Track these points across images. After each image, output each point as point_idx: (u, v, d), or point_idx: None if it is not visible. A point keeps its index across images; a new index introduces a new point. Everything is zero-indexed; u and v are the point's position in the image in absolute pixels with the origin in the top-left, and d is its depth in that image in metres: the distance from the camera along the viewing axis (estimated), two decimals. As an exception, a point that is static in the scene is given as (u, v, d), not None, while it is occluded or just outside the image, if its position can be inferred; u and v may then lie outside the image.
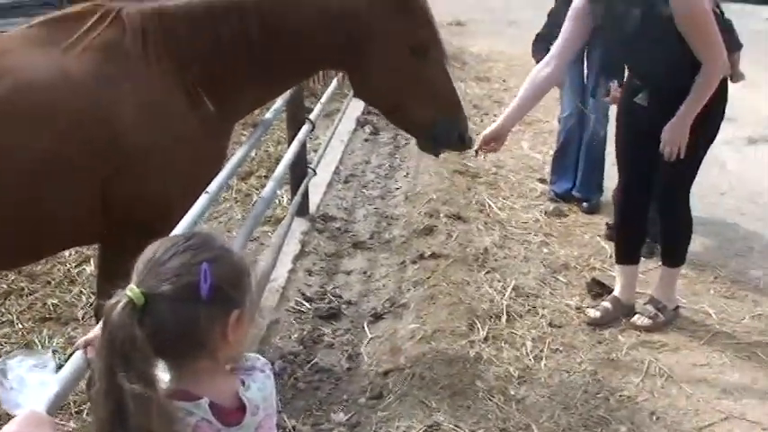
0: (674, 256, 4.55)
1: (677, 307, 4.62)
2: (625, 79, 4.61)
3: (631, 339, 4.39)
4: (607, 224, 5.62)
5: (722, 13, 4.43)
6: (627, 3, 3.94)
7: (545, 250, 5.44)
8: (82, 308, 4.62)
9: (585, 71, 6.08)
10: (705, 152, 4.31)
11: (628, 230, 4.62)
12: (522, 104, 4.29)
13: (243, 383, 1.69)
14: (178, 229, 2.61)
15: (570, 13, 4.20)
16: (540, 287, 4.91)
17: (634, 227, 4.60)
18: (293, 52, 3.23)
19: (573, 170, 6.30)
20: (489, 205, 6.14)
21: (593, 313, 4.57)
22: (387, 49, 3.32)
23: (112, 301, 1.55)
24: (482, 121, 8.61)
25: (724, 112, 4.27)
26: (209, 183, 2.99)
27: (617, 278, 4.71)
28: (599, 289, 4.84)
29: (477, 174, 6.83)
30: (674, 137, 4.03)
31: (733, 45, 4.42)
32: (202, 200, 2.86)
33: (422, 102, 3.45)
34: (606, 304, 4.62)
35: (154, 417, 1.49)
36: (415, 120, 3.53)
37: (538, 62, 5.72)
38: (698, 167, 4.33)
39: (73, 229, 3.06)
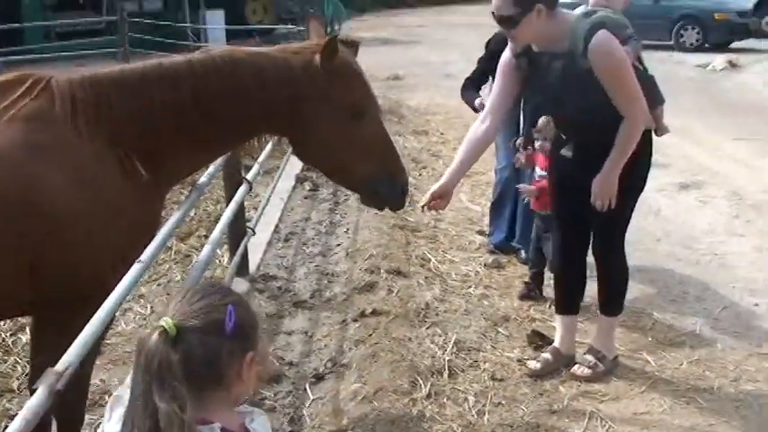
0: (612, 305, 4.61)
1: (616, 356, 4.67)
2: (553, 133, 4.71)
3: (572, 390, 4.41)
4: (525, 283, 5.66)
5: (645, 68, 4.56)
6: (549, 56, 4.02)
7: (485, 303, 5.47)
8: (17, 378, 4.51)
9: (521, 123, 6.12)
10: (635, 201, 4.43)
11: (566, 281, 4.68)
12: (464, 161, 4.35)
13: (247, 418, 1.92)
14: (111, 300, 2.58)
15: (499, 68, 4.28)
16: (482, 340, 4.93)
17: (572, 278, 4.65)
18: (228, 119, 3.23)
19: (510, 221, 6.35)
20: (429, 259, 6.18)
21: (534, 365, 4.60)
22: (324, 113, 3.33)
23: (147, 331, 1.77)
24: (420, 174, 8.71)
25: (650, 162, 4.39)
26: (144, 249, 2.96)
27: (557, 328, 4.75)
28: (540, 340, 4.87)
29: (416, 228, 6.87)
30: (602, 190, 4.10)
31: (655, 100, 4.51)
32: (135, 269, 2.82)
33: (363, 162, 3.47)
34: (546, 355, 4.64)
35: None
36: (357, 179, 3.56)
37: (469, 104, 5.93)
38: (630, 216, 4.44)
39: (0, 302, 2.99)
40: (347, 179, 3.68)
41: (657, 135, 4.55)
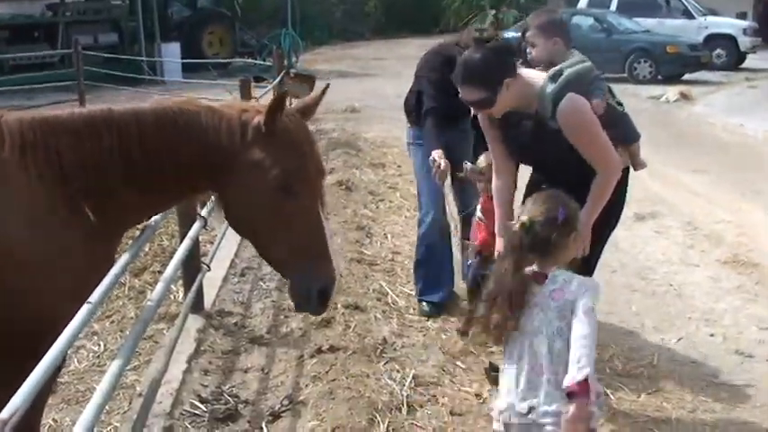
0: None
1: None
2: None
3: (531, 424, 4.38)
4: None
5: (619, 103, 4.51)
6: (519, 115, 4.11)
7: (443, 336, 5.44)
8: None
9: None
10: (607, 239, 4.52)
11: None
12: (503, 215, 4.41)
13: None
14: (59, 342, 2.50)
15: (482, 122, 4.38)
16: (440, 375, 4.89)
17: None
18: (172, 171, 3.14)
19: (450, 272, 6.00)
20: (387, 293, 6.14)
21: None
22: (250, 181, 3.12)
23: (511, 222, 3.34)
24: (378, 207, 8.70)
25: (624, 202, 4.48)
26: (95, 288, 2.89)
27: None
28: (498, 373, 4.84)
29: (373, 261, 6.84)
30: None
31: (631, 136, 4.50)
32: (84, 310, 2.75)
33: (282, 245, 3.18)
34: None
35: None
36: (275, 262, 3.31)
37: (408, 116, 5.91)
38: (600, 254, 4.52)
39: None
40: (269, 259, 3.36)
41: (636, 170, 4.55)
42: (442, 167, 5.28)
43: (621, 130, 4.34)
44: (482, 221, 5.11)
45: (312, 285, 3.16)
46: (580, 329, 3.07)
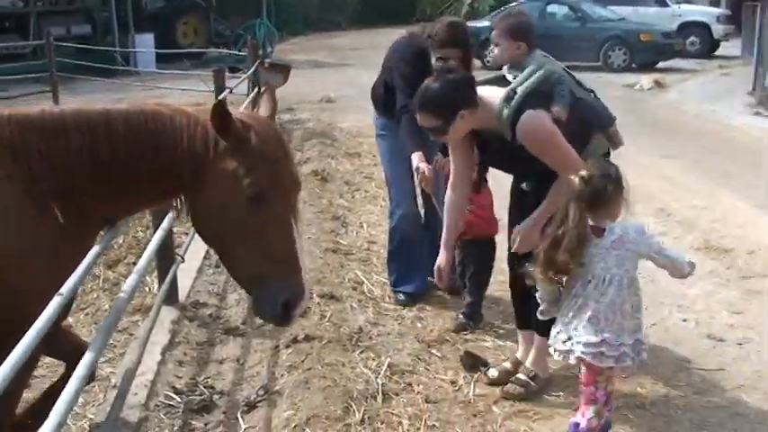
0: (545, 325, 4.62)
1: (549, 375, 4.69)
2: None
3: (506, 410, 4.41)
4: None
5: (590, 91, 4.55)
6: (486, 132, 4.24)
7: (419, 325, 5.46)
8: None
9: None
10: None
11: (521, 298, 4.69)
12: (451, 229, 4.63)
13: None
14: (30, 335, 2.50)
15: (450, 143, 4.52)
16: (415, 363, 4.91)
17: (526, 295, 4.65)
18: (141, 174, 3.10)
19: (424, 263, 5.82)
20: (362, 282, 6.15)
21: (492, 373, 4.69)
22: (220, 189, 3.06)
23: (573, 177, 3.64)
24: (353, 196, 8.71)
25: None
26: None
27: (519, 342, 4.82)
28: (473, 361, 4.88)
29: (349, 251, 6.85)
30: (524, 238, 4.29)
31: (606, 122, 4.51)
32: (55, 302, 2.74)
33: (248, 256, 3.10)
34: (507, 365, 4.74)
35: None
36: (239, 273, 3.21)
37: (375, 106, 5.95)
38: None
39: None
40: (232, 270, 3.27)
41: (615, 149, 4.56)
42: (426, 174, 5.28)
43: (595, 119, 4.39)
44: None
45: (279, 295, 3.07)
46: (665, 262, 3.78)
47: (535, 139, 4.08)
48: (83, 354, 2.85)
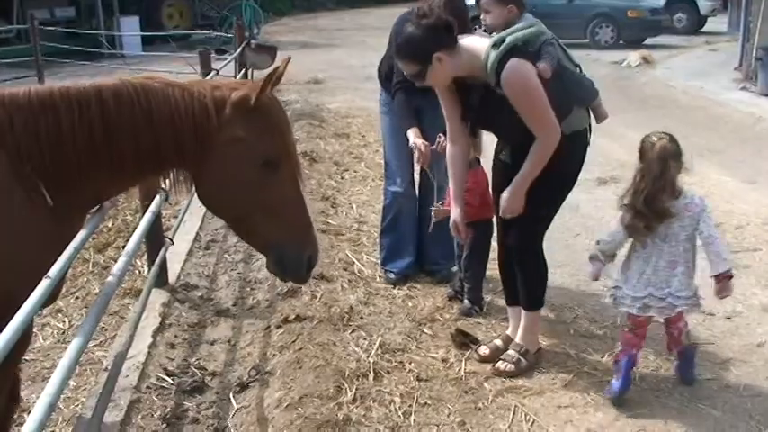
0: (532, 301, 4.66)
1: (539, 349, 4.72)
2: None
3: (497, 386, 4.43)
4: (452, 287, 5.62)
5: (576, 65, 4.50)
6: (470, 82, 4.21)
7: (410, 304, 5.47)
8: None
9: None
10: (552, 209, 4.56)
11: (509, 273, 4.73)
12: (459, 182, 4.59)
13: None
14: (17, 318, 2.49)
15: (438, 93, 4.44)
16: (407, 341, 4.92)
17: (514, 271, 4.69)
18: (136, 149, 3.08)
19: (416, 243, 5.92)
20: (353, 262, 6.16)
21: (483, 350, 4.72)
22: (230, 157, 3.11)
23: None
24: (342, 177, 8.69)
25: (572, 171, 4.48)
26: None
27: (509, 318, 4.86)
28: (464, 338, 4.89)
29: (339, 231, 6.84)
30: (509, 204, 4.30)
31: (590, 96, 4.49)
32: (42, 285, 2.73)
33: (268, 220, 3.21)
34: (498, 342, 4.76)
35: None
36: (261, 239, 3.30)
37: (379, 79, 5.88)
38: (545, 223, 4.59)
39: None
40: (251, 237, 3.37)
41: (599, 122, 4.56)
42: (422, 150, 5.27)
43: (578, 91, 4.38)
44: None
45: (303, 254, 3.27)
46: (713, 232, 4.10)
47: (517, 86, 4.04)
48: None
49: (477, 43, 4.18)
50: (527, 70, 4.04)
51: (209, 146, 3.10)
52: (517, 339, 4.69)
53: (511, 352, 4.63)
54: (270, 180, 3.15)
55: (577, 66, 4.52)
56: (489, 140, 4.84)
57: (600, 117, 4.58)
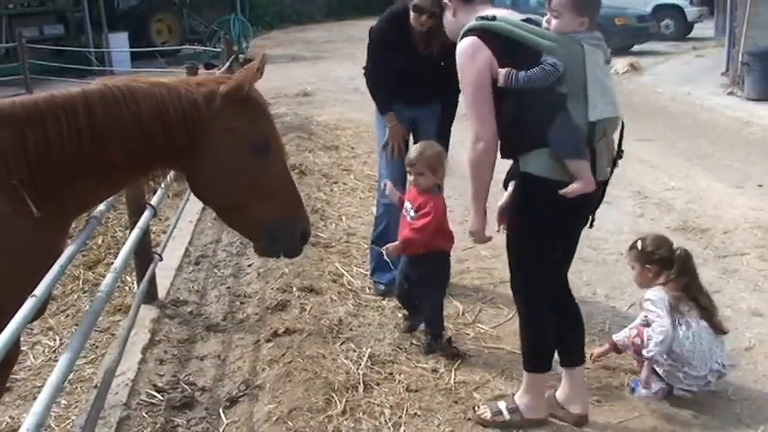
0: (523, 356, 4.24)
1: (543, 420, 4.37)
2: None
3: (486, 396, 4.44)
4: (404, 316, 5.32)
5: (594, 122, 3.69)
6: None
7: (399, 315, 5.46)
8: None
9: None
10: (531, 258, 3.99)
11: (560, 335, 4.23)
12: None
13: None
14: (5, 335, 2.49)
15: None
16: (396, 352, 4.93)
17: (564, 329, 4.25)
18: (125, 151, 3.11)
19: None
20: (342, 274, 6.16)
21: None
22: (225, 147, 3.21)
23: None
24: (332, 190, 8.71)
25: (540, 220, 3.87)
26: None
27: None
28: (453, 349, 4.90)
29: (329, 244, 6.85)
30: (475, 235, 4.13)
31: (565, 151, 3.70)
32: (28, 304, 2.73)
33: (263, 202, 3.32)
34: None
35: None
36: (256, 221, 3.36)
37: (371, 90, 5.74)
38: (531, 272, 4.03)
39: None
40: (245, 221, 3.43)
41: (568, 196, 3.72)
42: (393, 139, 5.45)
43: (551, 138, 3.66)
44: (408, 216, 4.88)
45: (296, 228, 3.42)
46: None
47: (458, 60, 3.77)
48: None
49: (494, 12, 3.83)
50: (470, 51, 3.72)
51: (201, 139, 3.18)
52: (517, 394, 4.26)
53: (500, 403, 4.25)
54: (263, 163, 3.27)
55: (594, 122, 3.67)
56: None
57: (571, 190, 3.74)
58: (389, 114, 5.58)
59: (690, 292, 4.42)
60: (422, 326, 5.07)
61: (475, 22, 3.78)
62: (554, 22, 3.71)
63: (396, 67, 5.52)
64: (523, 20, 3.80)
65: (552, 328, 4.11)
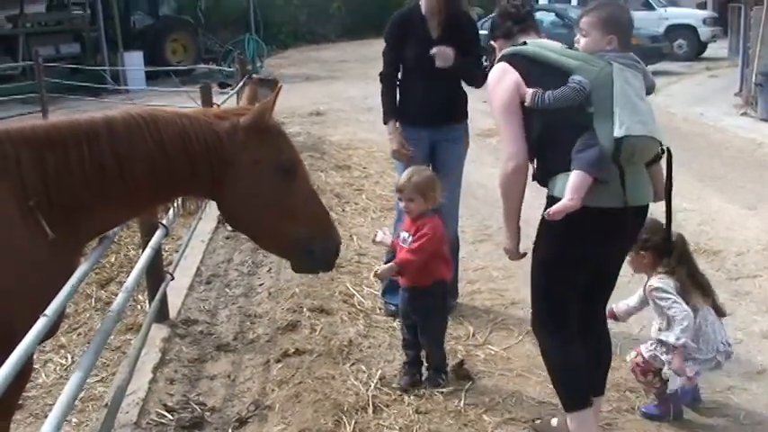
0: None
1: None
2: None
3: (496, 418, 4.42)
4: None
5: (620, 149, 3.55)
6: None
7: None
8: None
9: None
10: (548, 287, 3.88)
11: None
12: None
13: None
14: (14, 356, 2.51)
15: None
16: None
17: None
18: (148, 179, 3.18)
19: None
20: (353, 294, 6.17)
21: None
22: (253, 178, 3.31)
23: None
24: (344, 210, 8.73)
25: (555, 252, 3.78)
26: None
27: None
28: (463, 371, 4.89)
29: (339, 264, 6.83)
30: (505, 243, 4.06)
31: (583, 166, 3.56)
32: (40, 323, 2.75)
33: (297, 222, 3.43)
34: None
35: None
36: (291, 242, 3.47)
37: (383, 97, 5.78)
38: (548, 302, 3.90)
39: None
40: (280, 243, 3.55)
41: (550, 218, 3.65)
42: (396, 146, 5.55)
43: (574, 160, 3.55)
44: (399, 241, 4.77)
45: (330, 243, 3.55)
46: None
47: (488, 84, 3.83)
48: None
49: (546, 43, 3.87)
50: (498, 75, 3.77)
51: (226, 171, 3.27)
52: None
53: None
54: (291, 187, 3.39)
55: (620, 138, 3.52)
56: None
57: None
58: (390, 123, 5.68)
59: (695, 278, 4.44)
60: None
61: (506, 50, 3.85)
62: (582, 41, 3.73)
63: (406, 61, 5.67)
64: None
65: (582, 360, 3.89)
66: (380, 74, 5.85)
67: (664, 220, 4.08)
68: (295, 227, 3.43)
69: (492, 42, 4.09)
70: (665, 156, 3.91)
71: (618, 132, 3.49)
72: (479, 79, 5.49)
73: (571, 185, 3.51)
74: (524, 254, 3.99)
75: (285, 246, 3.56)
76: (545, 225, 3.72)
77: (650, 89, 3.80)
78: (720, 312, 4.47)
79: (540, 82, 3.62)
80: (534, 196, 4.00)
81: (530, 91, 3.62)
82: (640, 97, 3.64)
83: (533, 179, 3.85)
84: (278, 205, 3.38)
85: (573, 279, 3.81)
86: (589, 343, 3.97)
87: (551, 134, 3.66)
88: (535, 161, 3.79)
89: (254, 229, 3.58)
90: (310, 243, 3.47)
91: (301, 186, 3.47)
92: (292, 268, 3.72)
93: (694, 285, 4.41)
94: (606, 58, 3.62)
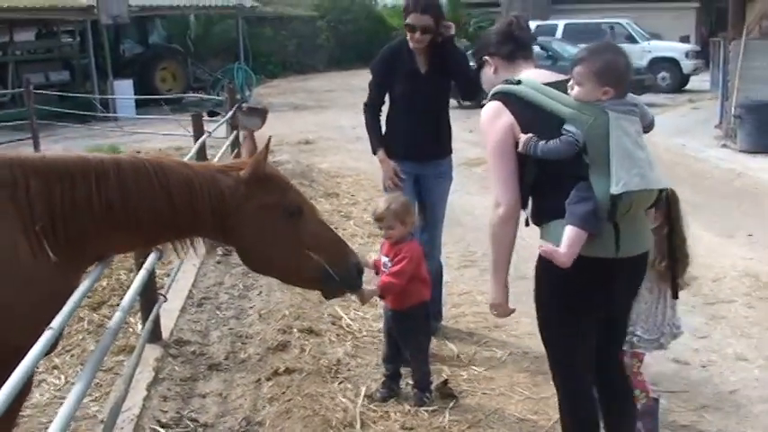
0: None
1: None
2: None
3: (480, 434, 4.59)
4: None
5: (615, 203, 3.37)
6: None
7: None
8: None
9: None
10: (550, 336, 3.74)
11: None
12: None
13: None
14: (20, 369, 2.63)
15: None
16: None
17: None
18: (153, 222, 3.35)
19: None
20: (341, 317, 6.33)
21: None
22: (260, 221, 3.47)
23: None
24: (332, 235, 8.86)
25: (550, 304, 3.66)
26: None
27: None
28: (448, 390, 5.04)
29: (327, 287, 7.00)
30: (491, 299, 3.85)
31: (580, 224, 3.40)
32: (45, 336, 2.88)
33: (311, 256, 3.54)
34: None
35: None
36: (314, 273, 3.59)
37: (369, 128, 5.87)
38: (556, 349, 3.75)
39: None
40: (301, 277, 3.71)
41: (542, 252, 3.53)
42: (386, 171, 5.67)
43: (568, 212, 3.40)
44: (385, 269, 4.87)
45: (351, 266, 3.67)
46: None
47: (481, 124, 3.65)
48: None
49: (527, 74, 3.71)
50: (492, 115, 3.59)
51: (233, 221, 3.44)
52: None
53: None
54: (300, 224, 3.54)
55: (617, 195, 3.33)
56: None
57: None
58: (380, 152, 5.78)
59: (670, 241, 4.12)
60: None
61: (501, 85, 3.64)
62: (576, 89, 3.47)
63: (394, 95, 5.76)
64: (557, 81, 3.60)
65: (589, 415, 3.74)
66: (365, 104, 5.95)
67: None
68: (310, 260, 3.53)
69: (488, 58, 3.89)
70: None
71: (615, 189, 3.30)
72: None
73: (566, 240, 3.38)
74: (513, 309, 3.85)
75: (307, 279, 3.71)
76: (542, 277, 3.62)
77: (649, 127, 3.68)
78: (678, 289, 4.17)
79: (532, 126, 3.46)
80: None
81: (523, 137, 3.46)
82: (638, 145, 3.42)
83: (526, 224, 3.70)
84: (289, 245, 3.52)
85: (576, 330, 3.64)
86: (605, 395, 3.84)
87: (546, 179, 3.51)
88: (530, 202, 3.64)
89: (272, 270, 3.76)
90: (330, 269, 3.58)
91: (309, 222, 3.60)
92: (323, 296, 3.91)
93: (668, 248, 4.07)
94: (603, 106, 3.41)
